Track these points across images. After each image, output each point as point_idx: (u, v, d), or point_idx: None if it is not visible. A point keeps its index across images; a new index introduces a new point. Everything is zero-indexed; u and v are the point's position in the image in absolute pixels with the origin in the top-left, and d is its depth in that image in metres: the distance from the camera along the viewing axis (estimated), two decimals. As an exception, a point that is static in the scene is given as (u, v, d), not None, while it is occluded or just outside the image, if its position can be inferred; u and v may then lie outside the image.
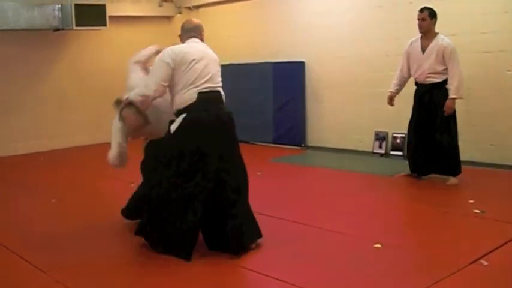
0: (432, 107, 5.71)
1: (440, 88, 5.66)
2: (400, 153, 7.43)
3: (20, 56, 8.91)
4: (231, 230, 3.87)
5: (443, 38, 5.67)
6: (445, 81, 5.66)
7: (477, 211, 4.73)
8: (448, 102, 5.59)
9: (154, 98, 4.00)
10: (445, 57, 5.60)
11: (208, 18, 10.16)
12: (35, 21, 8.42)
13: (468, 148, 6.80)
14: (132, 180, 6.36)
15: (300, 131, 8.63)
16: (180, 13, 10.38)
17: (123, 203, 5.46)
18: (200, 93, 3.93)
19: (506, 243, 3.95)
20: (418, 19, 5.71)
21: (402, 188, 5.83)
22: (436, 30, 5.76)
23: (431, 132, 5.73)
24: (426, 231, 4.39)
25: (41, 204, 5.72)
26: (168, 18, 10.44)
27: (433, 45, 5.65)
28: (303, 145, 8.60)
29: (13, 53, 8.84)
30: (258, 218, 4.79)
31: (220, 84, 4.12)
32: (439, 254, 3.81)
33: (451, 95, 5.58)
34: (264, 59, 9.01)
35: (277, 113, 8.83)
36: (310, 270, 3.62)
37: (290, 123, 8.71)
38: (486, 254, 3.73)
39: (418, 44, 5.79)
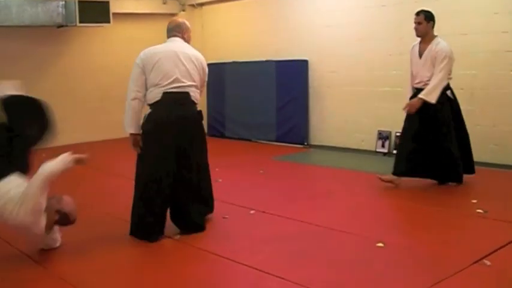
0: (431, 114, 5.44)
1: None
2: (403, 152, 7.41)
3: (23, 53, 8.90)
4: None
5: (438, 42, 5.43)
6: (444, 87, 5.43)
7: (480, 211, 4.72)
8: (413, 100, 5.44)
9: (137, 98, 4.26)
10: (435, 60, 5.37)
11: (212, 16, 10.18)
12: (39, 18, 8.42)
13: (472, 148, 6.78)
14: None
15: (302, 129, 8.63)
16: (183, 10, 10.37)
17: (125, 200, 5.47)
18: (165, 93, 4.16)
19: (509, 243, 3.94)
20: (415, 22, 5.50)
21: (405, 187, 5.80)
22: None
23: (433, 141, 5.49)
24: (429, 231, 4.38)
25: (43, 200, 5.71)
26: (172, 15, 10.41)
27: (427, 51, 5.44)
28: (305, 143, 8.59)
29: (16, 49, 8.84)
30: (260, 216, 4.83)
31: (191, 83, 4.26)
32: (442, 253, 3.79)
33: (420, 95, 5.38)
34: (267, 57, 9.01)
35: (280, 111, 8.83)
36: (312, 269, 3.61)
37: (293, 122, 8.71)
38: (489, 254, 3.71)
39: (417, 48, 5.59)
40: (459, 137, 5.59)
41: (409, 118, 5.64)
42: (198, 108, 4.44)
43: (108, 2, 8.73)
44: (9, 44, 8.76)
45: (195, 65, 4.33)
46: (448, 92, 5.52)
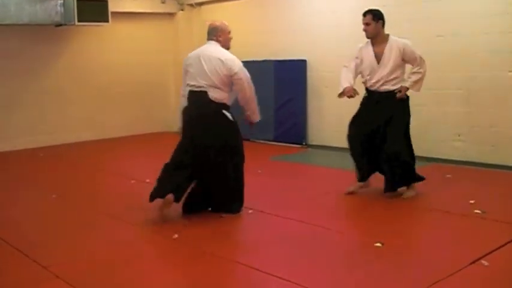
0: (386, 115, 5.22)
1: (394, 96, 5.22)
2: (401, 152, 7.42)
3: (22, 51, 8.90)
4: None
5: (396, 39, 5.22)
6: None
7: (478, 211, 4.73)
8: (403, 88, 5.17)
9: (184, 95, 4.89)
10: (406, 56, 5.15)
11: (210, 16, 10.15)
12: (37, 16, 8.42)
13: (469, 149, 6.80)
14: (133, 177, 6.39)
15: (301, 129, 8.63)
16: (182, 10, 10.37)
17: (124, 199, 5.49)
18: (190, 91, 4.77)
19: (506, 243, 3.95)
20: (363, 24, 5.24)
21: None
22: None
23: (383, 141, 5.25)
24: (427, 231, 4.40)
25: (41, 199, 5.72)
26: (170, 14, 10.43)
27: (388, 50, 5.17)
28: (303, 143, 8.60)
29: (15, 47, 8.84)
30: (259, 215, 4.83)
31: (209, 84, 4.65)
32: (440, 253, 3.80)
33: (407, 84, 5.18)
34: (265, 57, 9.01)
35: (279, 111, 8.83)
36: (311, 269, 3.62)
37: (291, 122, 8.71)
38: (487, 255, 3.72)
39: (370, 50, 5.28)
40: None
41: (361, 122, 5.48)
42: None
43: (106, 1, 8.72)
44: (8, 43, 8.76)
45: (215, 66, 4.63)
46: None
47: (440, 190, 5.59)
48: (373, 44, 5.29)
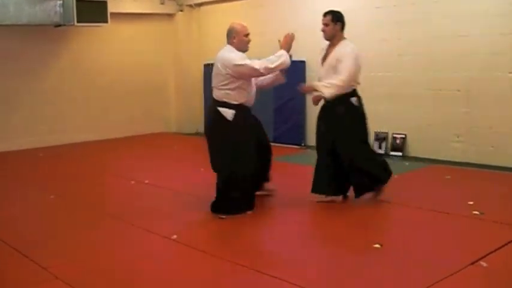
0: (330, 120, 5.14)
1: (342, 101, 5.03)
2: (400, 153, 7.44)
3: (21, 52, 8.90)
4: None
5: (346, 45, 5.03)
6: (348, 94, 5.02)
7: (476, 212, 4.73)
8: (308, 85, 4.98)
9: None
10: (338, 64, 4.96)
11: (209, 16, 10.18)
12: (37, 17, 8.41)
13: (468, 150, 6.81)
14: (133, 177, 6.39)
15: (300, 130, 8.63)
16: (181, 11, 10.37)
17: (123, 200, 5.49)
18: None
19: (505, 244, 3.96)
20: (322, 24, 5.13)
21: (401, 188, 5.81)
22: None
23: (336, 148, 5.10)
24: (425, 232, 4.39)
25: (40, 200, 5.71)
26: (170, 15, 10.44)
27: (333, 54, 5.04)
28: (302, 144, 8.60)
29: (14, 48, 8.83)
30: (258, 217, 4.84)
31: (213, 86, 4.88)
32: (438, 254, 3.81)
33: (318, 83, 5.07)
34: (264, 57, 8.99)
35: (277, 112, 8.84)
36: (310, 270, 3.63)
37: (290, 123, 8.72)
38: (485, 256, 3.73)
39: (323, 51, 5.21)
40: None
41: (318, 127, 5.33)
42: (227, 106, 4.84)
43: (106, 2, 8.72)
44: (7, 43, 8.76)
45: (215, 69, 4.81)
46: (354, 100, 5.10)
47: (439, 191, 5.60)
48: (329, 45, 5.18)
